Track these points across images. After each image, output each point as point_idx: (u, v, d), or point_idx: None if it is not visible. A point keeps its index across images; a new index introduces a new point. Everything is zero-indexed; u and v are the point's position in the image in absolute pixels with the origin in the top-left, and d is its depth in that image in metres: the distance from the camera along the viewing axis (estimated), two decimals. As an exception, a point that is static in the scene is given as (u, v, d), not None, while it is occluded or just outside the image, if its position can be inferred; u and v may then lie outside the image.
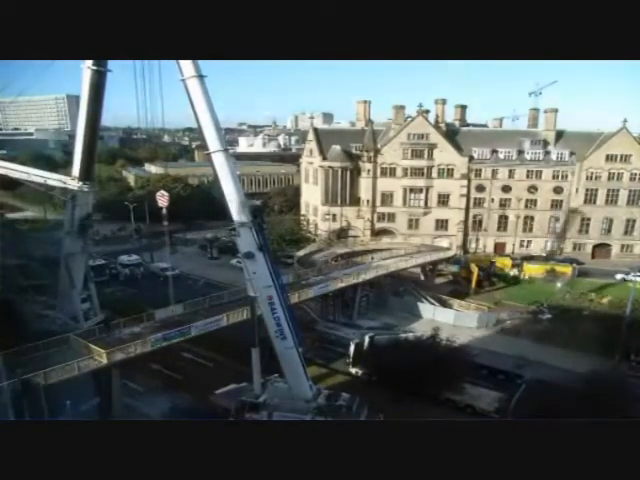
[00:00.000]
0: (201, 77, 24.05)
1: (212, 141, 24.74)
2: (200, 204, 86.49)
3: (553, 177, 73.37)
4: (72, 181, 36.87)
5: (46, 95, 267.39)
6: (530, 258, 70.33)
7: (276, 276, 26.72)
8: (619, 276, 63.25)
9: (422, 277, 61.94)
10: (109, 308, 41.39)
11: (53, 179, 38.34)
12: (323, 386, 33.00)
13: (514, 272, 64.34)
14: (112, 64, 34.71)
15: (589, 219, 73.64)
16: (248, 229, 25.24)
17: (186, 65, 23.76)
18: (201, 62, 24.65)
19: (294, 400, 28.41)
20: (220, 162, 24.85)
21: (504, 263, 65.90)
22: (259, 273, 25.95)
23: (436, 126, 73.88)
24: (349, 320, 48.89)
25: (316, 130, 78.70)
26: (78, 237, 38.35)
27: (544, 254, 73.28)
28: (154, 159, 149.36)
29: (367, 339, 39.15)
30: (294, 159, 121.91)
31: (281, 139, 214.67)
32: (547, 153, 73.90)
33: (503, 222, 75.10)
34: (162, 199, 46.51)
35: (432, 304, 52.40)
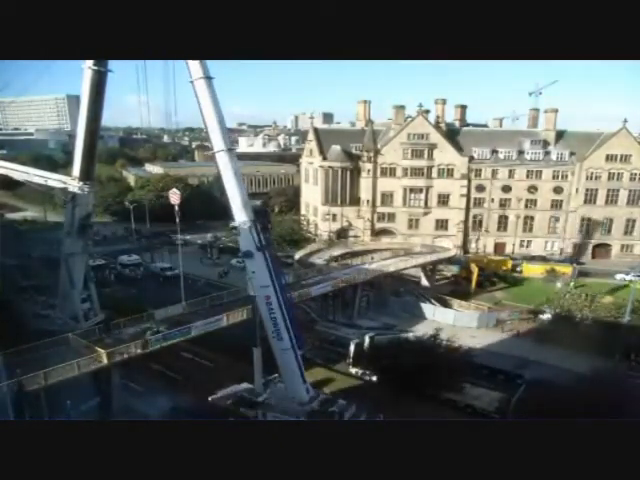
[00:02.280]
0: (209, 78, 24.44)
1: (217, 141, 25.11)
2: (200, 204, 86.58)
3: (553, 177, 73.34)
4: (72, 181, 36.86)
5: (46, 95, 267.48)
6: (545, 259, 70.34)
7: (277, 277, 26.69)
8: (619, 276, 63.28)
9: (422, 277, 61.92)
10: (109, 308, 41.38)
11: (53, 179, 38.32)
12: (324, 387, 33.00)
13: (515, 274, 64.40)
14: (113, 64, 34.78)
15: (589, 219, 73.62)
16: (248, 228, 25.34)
17: (194, 66, 24.11)
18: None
19: (288, 402, 28.41)
20: (224, 162, 25.15)
21: (504, 263, 65.91)
22: (258, 273, 26.06)
23: (436, 126, 73.86)
24: (349, 320, 48.87)
25: (316, 130, 78.68)
26: (78, 237, 38.35)
27: (556, 256, 73.05)
28: (154, 159, 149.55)
29: (367, 339, 39.15)
30: (294, 159, 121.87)
31: (281, 139, 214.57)
32: (547, 153, 73.87)
33: (503, 222, 75.08)
34: (174, 197, 46.23)
35: (432, 304, 52.40)
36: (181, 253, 71.46)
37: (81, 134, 35.68)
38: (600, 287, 56.95)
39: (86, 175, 36.91)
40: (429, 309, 51.29)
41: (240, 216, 25.36)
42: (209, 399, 31.05)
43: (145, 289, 53.92)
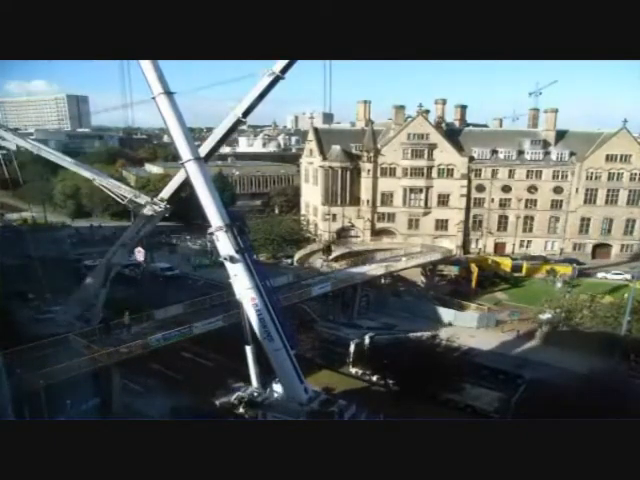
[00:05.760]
0: (169, 94, 25.36)
1: (184, 151, 25.70)
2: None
3: (553, 177, 73.27)
4: (159, 202, 38.57)
5: (46, 95, 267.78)
6: (545, 259, 70.26)
7: (261, 278, 26.86)
8: (600, 274, 64.12)
9: (422, 277, 61.91)
10: (109, 308, 41.32)
11: (142, 198, 39.42)
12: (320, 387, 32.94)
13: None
14: (110, 63, 34.84)
15: (589, 219, 73.62)
16: (225, 232, 25.62)
17: (154, 83, 25.04)
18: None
19: (288, 402, 28.45)
20: (193, 170, 25.71)
21: (504, 263, 65.95)
22: (240, 275, 26.27)
23: (437, 126, 73.84)
24: (349, 320, 48.88)
25: (316, 130, 78.59)
26: (130, 250, 39.23)
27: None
28: (154, 159, 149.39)
29: (367, 339, 39.15)
30: (294, 159, 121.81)
31: (281, 139, 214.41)
32: (547, 153, 73.85)
33: (503, 222, 75.04)
34: (139, 254, 44.97)
35: (433, 304, 52.39)
36: (180, 254, 71.80)
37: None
38: (600, 287, 56.96)
39: (170, 198, 38.74)
40: (429, 309, 51.27)
41: (215, 222, 25.77)
42: (216, 403, 30.98)
43: (145, 289, 53.78)
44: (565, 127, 77.02)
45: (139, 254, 39.59)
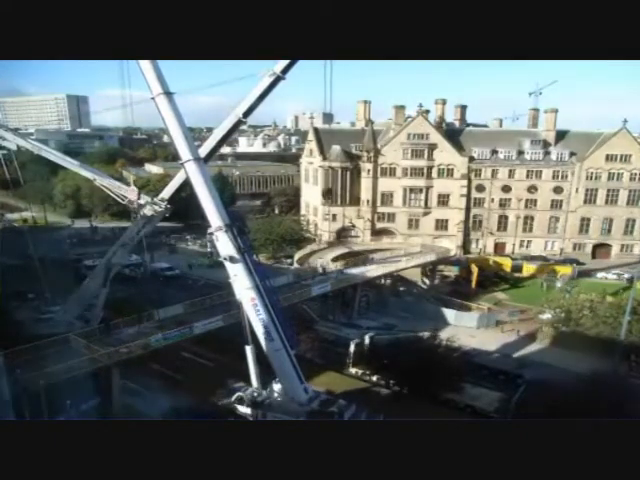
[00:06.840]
0: (169, 94, 25.43)
1: (184, 151, 25.75)
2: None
3: (553, 177, 73.27)
4: (160, 202, 38.47)
5: (46, 95, 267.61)
6: (545, 259, 69.93)
7: (262, 278, 26.86)
8: (600, 274, 64.24)
9: (422, 277, 61.87)
10: (109, 308, 41.32)
11: (142, 198, 39.13)
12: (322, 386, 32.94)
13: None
14: (108, 63, 34.81)
15: (589, 219, 73.61)
16: (225, 232, 25.60)
17: (153, 83, 25.11)
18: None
19: (288, 402, 28.46)
20: (192, 170, 25.76)
21: (504, 263, 65.94)
22: (240, 275, 26.29)
23: (437, 126, 73.83)
24: (349, 320, 48.86)
25: (316, 130, 78.59)
26: (130, 250, 39.25)
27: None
28: (154, 159, 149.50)
29: (367, 339, 39.14)
30: (294, 159, 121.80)
31: (281, 139, 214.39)
32: (547, 153, 73.84)
33: (503, 222, 75.03)
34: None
35: (433, 305, 52.35)
36: (181, 253, 71.74)
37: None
38: (600, 287, 56.90)
39: (170, 198, 38.80)
40: (429, 309, 51.23)
41: (215, 222, 25.73)
42: (219, 404, 30.97)
43: (145, 289, 53.74)
44: (565, 127, 77.03)
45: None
